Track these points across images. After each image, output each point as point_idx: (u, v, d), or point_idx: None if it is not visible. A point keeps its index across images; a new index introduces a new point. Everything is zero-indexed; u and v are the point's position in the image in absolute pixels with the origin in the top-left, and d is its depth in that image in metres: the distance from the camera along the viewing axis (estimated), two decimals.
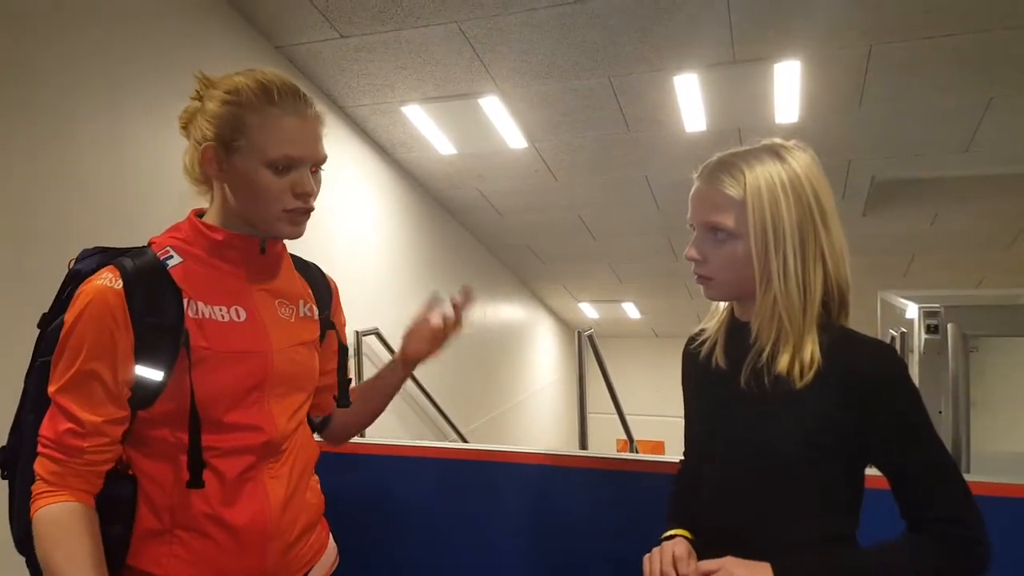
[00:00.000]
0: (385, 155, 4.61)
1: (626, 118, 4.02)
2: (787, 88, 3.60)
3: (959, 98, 3.65)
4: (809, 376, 0.91)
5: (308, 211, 1.02)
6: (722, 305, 1.08)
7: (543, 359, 9.39)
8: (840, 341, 0.94)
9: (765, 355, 0.95)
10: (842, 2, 2.88)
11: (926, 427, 0.90)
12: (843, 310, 0.98)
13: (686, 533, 1.05)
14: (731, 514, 1.00)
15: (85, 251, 1.02)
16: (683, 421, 1.14)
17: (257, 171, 0.96)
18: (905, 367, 0.94)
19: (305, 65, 3.51)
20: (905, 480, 0.91)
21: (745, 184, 0.94)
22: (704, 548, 1.02)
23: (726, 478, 1.00)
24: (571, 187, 5.15)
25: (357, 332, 4.06)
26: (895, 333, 3.27)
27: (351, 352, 4.02)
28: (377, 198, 4.55)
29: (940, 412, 2.54)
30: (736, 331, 1.03)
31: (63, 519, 0.90)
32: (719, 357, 1.03)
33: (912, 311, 3.31)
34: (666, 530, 1.07)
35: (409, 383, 4.75)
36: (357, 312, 4.16)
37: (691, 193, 1.02)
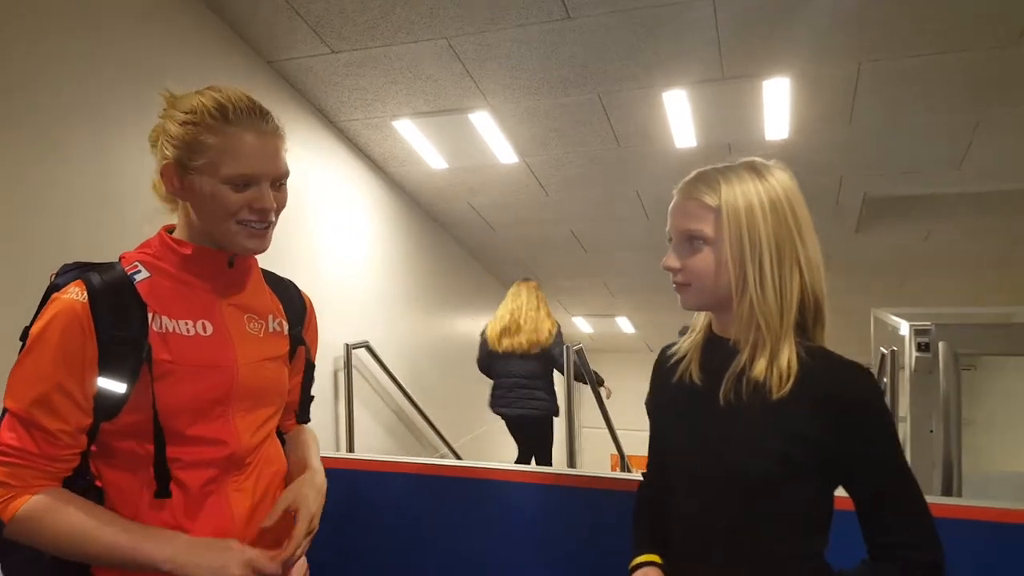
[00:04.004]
0: (376, 169, 4.61)
1: (616, 134, 4.02)
2: (777, 105, 3.61)
3: (950, 115, 3.67)
4: (785, 390, 0.91)
5: (267, 225, 1.03)
6: (700, 323, 1.07)
7: None
8: (818, 360, 0.93)
9: (742, 361, 0.95)
10: (829, 21, 2.90)
11: (895, 453, 0.91)
12: (819, 324, 0.98)
13: (656, 558, 1.04)
14: (704, 531, 0.98)
15: (65, 266, 1.03)
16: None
17: (215, 189, 0.98)
18: (880, 391, 0.95)
19: (296, 80, 3.51)
20: (869, 504, 0.92)
21: (721, 193, 0.96)
22: (676, 568, 1.00)
23: (701, 495, 0.99)
24: (562, 202, 5.15)
25: (347, 345, 4.03)
26: (886, 351, 3.25)
27: (341, 364, 4.00)
28: (368, 212, 4.54)
29: (931, 431, 2.51)
30: (714, 346, 1.02)
31: (47, 502, 0.91)
32: (694, 373, 1.02)
33: (903, 329, 3.30)
34: (634, 556, 1.06)
35: (399, 395, 4.71)
36: (348, 325, 4.13)
37: (670, 207, 1.02)
